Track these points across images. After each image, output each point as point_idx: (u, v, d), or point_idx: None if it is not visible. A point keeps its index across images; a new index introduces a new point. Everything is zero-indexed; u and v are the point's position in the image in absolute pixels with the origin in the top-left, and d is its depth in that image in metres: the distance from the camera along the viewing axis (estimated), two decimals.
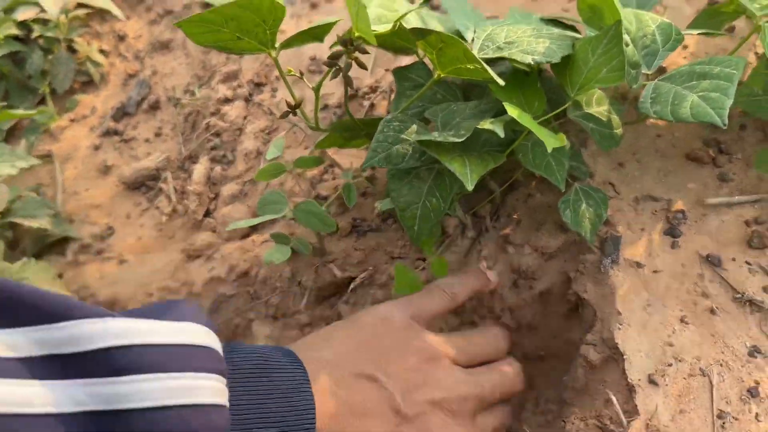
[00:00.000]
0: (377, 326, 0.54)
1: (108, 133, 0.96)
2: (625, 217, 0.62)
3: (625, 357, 0.54)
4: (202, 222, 0.79)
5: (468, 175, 0.51)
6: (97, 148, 0.95)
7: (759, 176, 0.63)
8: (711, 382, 0.53)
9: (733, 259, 0.58)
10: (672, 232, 0.60)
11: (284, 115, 0.57)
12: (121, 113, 0.97)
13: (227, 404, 0.40)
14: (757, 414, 0.51)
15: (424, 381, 0.53)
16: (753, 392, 0.52)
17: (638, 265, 0.59)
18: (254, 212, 0.75)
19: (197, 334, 0.40)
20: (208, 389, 0.38)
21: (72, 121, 1.01)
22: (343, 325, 0.55)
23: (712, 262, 0.58)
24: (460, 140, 0.50)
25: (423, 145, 0.53)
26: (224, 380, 0.41)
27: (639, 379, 0.53)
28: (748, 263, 0.58)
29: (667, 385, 0.53)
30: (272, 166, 0.63)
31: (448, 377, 0.54)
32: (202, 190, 0.81)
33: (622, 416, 0.52)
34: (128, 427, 0.34)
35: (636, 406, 0.52)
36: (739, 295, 0.56)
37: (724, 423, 0.51)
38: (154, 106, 0.95)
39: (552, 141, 0.51)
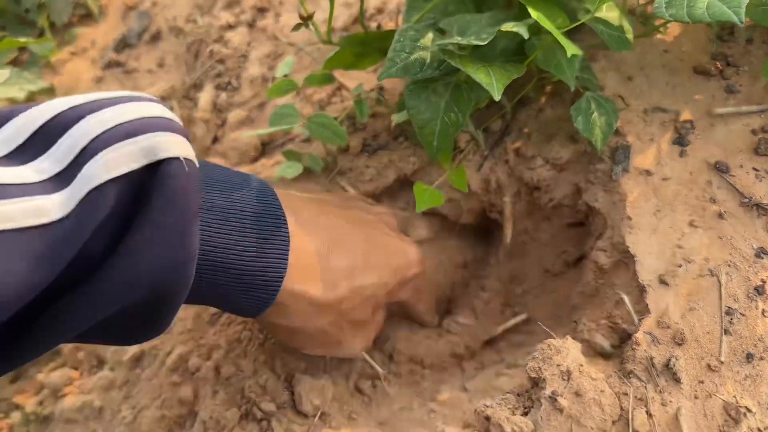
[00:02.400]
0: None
1: (110, 65, 0.95)
2: (635, 127, 0.62)
3: (636, 259, 0.55)
4: (210, 148, 0.79)
5: (494, 84, 0.51)
6: (99, 80, 0.94)
7: (766, 87, 0.63)
8: (719, 282, 0.54)
9: (741, 166, 0.59)
10: (680, 142, 0.61)
11: (296, 28, 0.56)
12: (123, 45, 0.96)
13: (179, 121, 0.40)
14: (763, 310, 0.53)
15: None
16: (759, 290, 0.53)
17: (648, 173, 0.60)
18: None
19: (140, 94, 0.40)
20: (160, 108, 0.39)
21: (73, 54, 1.00)
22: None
23: (719, 169, 0.59)
24: (483, 43, 0.50)
25: (445, 55, 0.53)
26: (170, 111, 0.41)
27: (650, 280, 0.55)
28: (755, 169, 0.59)
29: (677, 285, 0.54)
30: (283, 82, 0.63)
31: None
32: (209, 117, 0.81)
33: (634, 315, 0.54)
34: (92, 152, 0.34)
35: (647, 305, 0.54)
36: (747, 200, 0.57)
37: (731, 319, 0.52)
38: (156, 37, 0.94)
39: (572, 48, 0.51)
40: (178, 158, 0.37)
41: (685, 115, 0.63)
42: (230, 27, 0.86)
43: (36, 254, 0.32)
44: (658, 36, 0.69)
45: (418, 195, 0.57)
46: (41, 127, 0.36)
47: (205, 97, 0.82)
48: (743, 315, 0.53)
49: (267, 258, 0.46)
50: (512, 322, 0.64)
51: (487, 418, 0.48)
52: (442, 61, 0.54)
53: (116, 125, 0.36)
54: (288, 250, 0.47)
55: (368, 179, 0.67)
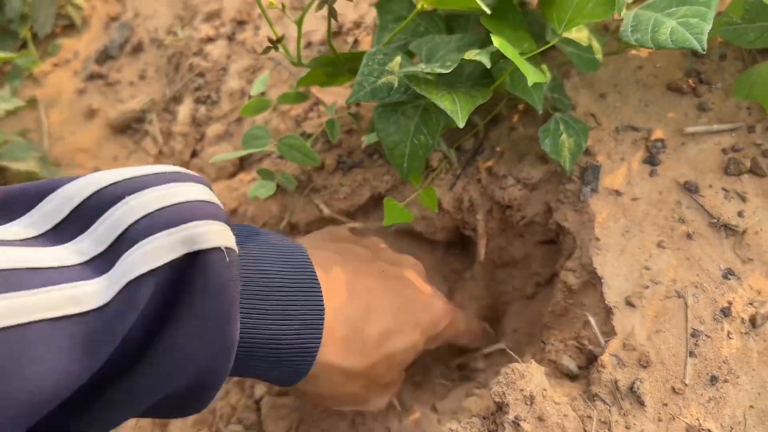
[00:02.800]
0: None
1: (92, 77, 0.95)
2: (606, 146, 0.63)
3: (603, 281, 0.56)
4: (189, 163, 0.79)
5: (458, 112, 0.52)
6: (81, 92, 0.95)
7: (737, 105, 0.63)
8: (686, 303, 0.54)
9: (710, 186, 0.59)
10: (651, 161, 0.61)
11: (265, 51, 0.57)
12: (105, 57, 0.96)
13: (221, 205, 0.40)
14: (729, 332, 0.53)
15: None
16: (725, 312, 0.54)
17: (617, 193, 0.60)
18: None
19: (178, 168, 0.39)
20: (199, 191, 0.38)
21: (55, 65, 1.00)
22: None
23: (689, 189, 0.59)
24: (446, 71, 0.50)
25: (410, 82, 0.53)
26: (213, 191, 0.40)
27: (616, 302, 0.55)
28: (724, 189, 0.59)
29: (643, 306, 0.55)
30: (257, 101, 0.63)
31: None
32: (187, 131, 0.81)
33: (600, 336, 0.54)
34: (132, 240, 0.34)
35: (613, 326, 0.54)
36: (715, 220, 0.58)
37: (697, 341, 0.53)
38: (137, 49, 0.95)
39: (534, 75, 0.51)
40: (219, 248, 0.36)
41: (657, 134, 0.63)
42: (210, 40, 0.86)
43: (76, 344, 0.31)
44: (632, 52, 0.69)
45: (387, 210, 0.58)
46: (80, 205, 0.35)
47: (184, 110, 0.82)
48: (709, 337, 0.53)
49: (302, 334, 0.45)
50: (487, 350, 0.65)
51: None
52: (409, 86, 0.54)
53: (157, 210, 0.35)
54: (322, 324, 0.46)
55: (342, 197, 0.67)
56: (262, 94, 0.68)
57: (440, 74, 0.55)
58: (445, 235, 0.69)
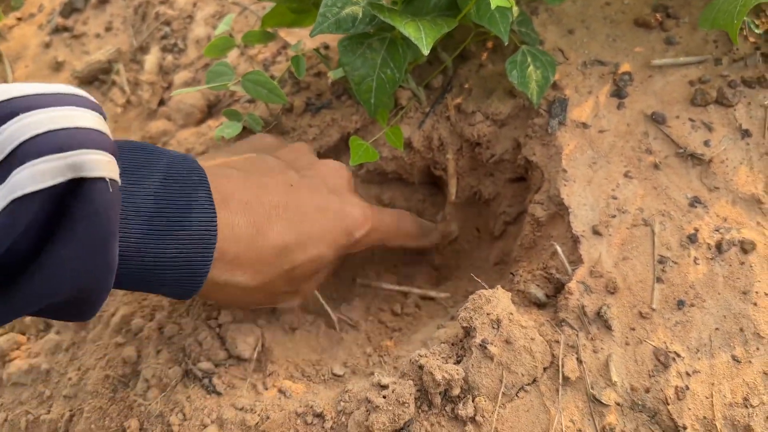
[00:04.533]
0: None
1: (57, 30, 0.93)
2: (573, 81, 0.62)
3: (570, 211, 0.56)
4: (156, 111, 0.78)
5: (423, 39, 0.51)
6: (47, 45, 0.93)
7: (704, 38, 0.64)
8: (653, 231, 0.55)
9: (677, 117, 0.60)
10: (618, 94, 0.61)
11: None
12: (70, 9, 0.94)
13: (110, 136, 0.41)
14: (695, 258, 0.54)
15: None
16: (692, 238, 0.54)
17: (584, 125, 0.60)
18: (207, 96, 0.74)
19: (75, 89, 0.40)
20: (90, 118, 0.39)
21: (19, 20, 0.98)
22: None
23: (656, 120, 0.60)
24: None
25: (374, 10, 0.53)
26: (104, 120, 0.41)
27: (583, 231, 0.55)
28: (691, 120, 0.59)
29: (610, 235, 0.55)
30: (221, 39, 0.62)
31: None
32: (154, 80, 0.80)
33: (567, 265, 0.55)
34: (23, 157, 0.35)
35: (581, 255, 0.54)
36: (682, 150, 0.58)
37: (664, 267, 0.53)
38: (103, 1, 0.93)
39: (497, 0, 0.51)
40: (103, 179, 0.38)
41: (624, 68, 0.63)
42: None
43: None
44: None
45: (353, 149, 0.57)
46: None
47: (150, 59, 0.81)
48: (676, 263, 0.54)
49: (190, 256, 0.46)
50: (432, 293, 0.66)
51: (421, 367, 0.49)
52: (374, 16, 0.54)
53: (48, 131, 0.36)
54: (213, 245, 0.47)
55: (311, 138, 0.67)
56: (229, 35, 0.66)
57: (406, 4, 0.55)
58: (417, 176, 0.69)
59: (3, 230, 0.34)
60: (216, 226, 0.46)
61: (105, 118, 0.42)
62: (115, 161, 0.40)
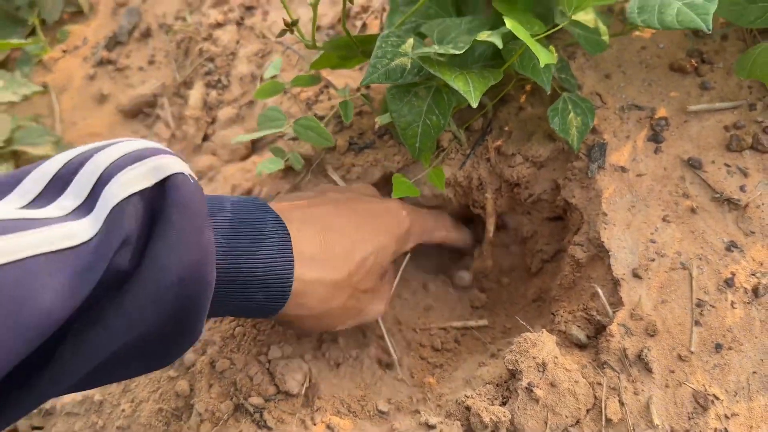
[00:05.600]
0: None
1: (102, 62, 0.96)
2: (611, 125, 0.64)
3: (610, 253, 0.58)
4: (201, 146, 0.81)
5: (471, 92, 0.53)
6: (91, 77, 0.96)
7: (739, 84, 0.65)
8: (691, 275, 0.56)
9: (713, 162, 0.61)
10: (655, 138, 0.63)
11: (281, 34, 0.58)
12: (114, 42, 0.98)
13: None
14: (732, 302, 0.55)
15: None
16: (729, 282, 0.56)
17: (623, 169, 0.62)
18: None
19: (138, 139, 0.45)
20: (158, 144, 0.44)
21: (64, 52, 1.01)
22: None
23: (692, 165, 0.61)
24: (459, 52, 0.52)
25: (423, 63, 0.55)
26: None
27: (623, 274, 0.57)
28: (726, 165, 0.61)
29: (650, 278, 0.57)
30: (271, 84, 0.65)
31: None
32: (199, 115, 0.82)
33: (608, 307, 0.56)
34: (106, 181, 0.39)
35: (621, 297, 0.56)
36: (718, 195, 0.60)
37: (702, 311, 0.55)
38: (146, 34, 0.96)
39: (545, 56, 0.53)
40: (182, 173, 0.42)
41: (661, 112, 0.65)
42: (219, 25, 0.88)
43: (71, 273, 0.35)
44: (636, 33, 0.70)
45: (396, 185, 0.60)
46: (55, 175, 0.41)
47: (195, 94, 0.84)
48: (713, 307, 0.55)
49: (276, 257, 0.50)
50: (471, 323, 0.68)
51: (468, 408, 0.51)
52: (422, 67, 0.56)
53: (123, 155, 0.41)
54: (291, 247, 0.51)
55: (355, 177, 0.69)
56: (274, 77, 0.69)
57: (452, 56, 0.57)
58: (455, 214, 0.71)
59: (107, 241, 0.38)
60: (288, 232, 0.52)
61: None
62: (187, 166, 0.45)
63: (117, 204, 0.39)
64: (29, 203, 0.39)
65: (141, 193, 0.40)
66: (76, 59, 1.00)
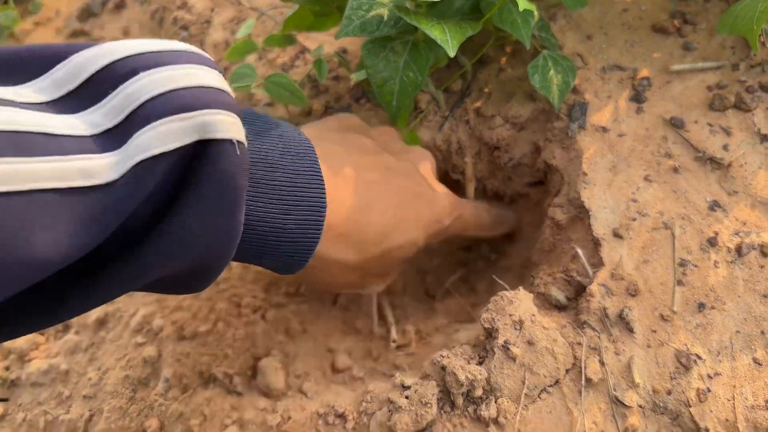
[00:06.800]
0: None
1: (75, 34, 0.94)
2: (593, 85, 0.63)
3: (591, 213, 0.56)
4: None
5: (449, 41, 0.51)
6: None
7: (721, 44, 0.64)
8: (673, 234, 0.55)
9: (696, 122, 0.60)
10: (637, 98, 0.62)
11: None
12: (87, 14, 0.95)
13: (233, 95, 0.39)
14: (715, 261, 0.54)
15: None
16: (712, 242, 0.54)
17: (604, 129, 0.60)
18: None
19: (192, 47, 0.39)
20: (213, 77, 0.37)
21: (36, 24, 0.99)
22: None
23: (675, 124, 0.60)
24: (437, 0, 0.50)
25: (400, 12, 0.53)
26: (226, 79, 0.40)
27: (604, 234, 0.56)
28: (709, 124, 0.60)
29: (631, 238, 0.55)
30: (243, 43, 0.63)
31: None
32: None
33: (588, 267, 0.55)
34: (146, 118, 0.33)
35: (601, 258, 0.55)
36: (701, 154, 0.58)
37: (684, 270, 0.54)
38: (120, 5, 0.94)
39: (524, 2, 0.52)
40: (230, 140, 0.36)
41: (643, 73, 0.63)
42: None
43: (83, 216, 0.31)
44: None
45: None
46: (93, 76, 0.35)
47: None
48: (696, 266, 0.54)
49: (304, 228, 0.46)
50: (452, 278, 0.68)
51: (443, 368, 0.49)
52: (399, 19, 0.54)
53: (172, 90, 0.35)
54: (323, 220, 0.47)
55: None
56: (248, 38, 0.67)
57: (430, 6, 0.55)
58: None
59: (127, 196, 0.33)
60: (326, 198, 0.46)
61: (224, 78, 0.40)
62: (241, 123, 0.38)
63: (147, 158, 0.33)
64: (54, 101, 0.34)
65: (177, 150, 0.34)
66: (48, 31, 0.97)
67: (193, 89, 0.35)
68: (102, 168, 0.32)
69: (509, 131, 0.64)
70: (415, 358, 0.57)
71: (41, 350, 0.65)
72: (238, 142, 0.37)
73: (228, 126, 0.36)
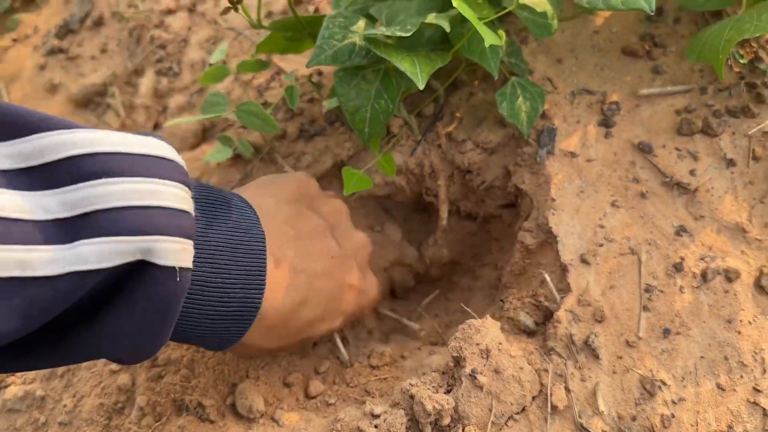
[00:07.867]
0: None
1: (53, 51, 0.94)
2: (562, 110, 0.64)
3: (558, 239, 0.57)
4: None
5: (418, 74, 0.52)
6: (42, 67, 0.93)
7: (691, 68, 0.65)
8: (639, 260, 0.56)
9: (664, 146, 0.61)
10: (606, 123, 0.62)
11: (225, 11, 0.57)
12: (65, 31, 0.95)
13: (192, 213, 0.40)
14: (681, 286, 0.54)
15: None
16: (678, 267, 0.55)
17: (572, 155, 0.61)
18: (202, 121, 0.75)
19: (162, 148, 0.40)
20: (174, 195, 0.38)
21: (14, 41, 0.99)
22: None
23: (643, 149, 0.61)
24: (407, 35, 0.51)
25: (371, 45, 0.54)
26: (189, 192, 0.41)
27: (571, 259, 0.56)
28: (677, 149, 0.60)
29: (598, 263, 0.56)
30: (216, 68, 0.63)
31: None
32: (149, 104, 0.80)
33: (556, 293, 0.56)
34: (94, 228, 0.34)
35: (569, 283, 0.55)
36: (668, 179, 0.59)
37: (650, 296, 0.54)
38: (98, 23, 0.94)
39: (490, 37, 0.52)
40: (173, 268, 0.37)
41: (612, 97, 0.64)
42: (170, 12, 0.86)
43: (12, 306, 0.32)
44: (589, 17, 0.70)
45: (346, 179, 0.58)
46: (59, 161, 0.35)
47: (145, 83, 0.82)
48: (662, 292, 0.55)
49: (233, 323, 0.47)
50: (429, 298, 0.69)
51: (411, 397, 0.50)
52: (369, 49, 0.55)
53: (124, 207, 0.35)
54: (253, 319, 0.48)
55: (306, 165, 0.68)
56: (223, 63, 0.67)
57: (400, 38, 0.56)
58: (408, 201, 0.70)
59: (60, 296, 0.34)
60: (262, 298, 0.48)
61: (187, 175, 0.41)
62: (192, 246, 0.39)
63: (84, 271, 0.34)
64: (13, 170, 0.35)
65: (115, 267, 0.35)
66: (26, 48, 0.97)
67: (150, 210, 0.36)
68: (42, 262, 0.33)
69: (480, 155, 0.65)
70: (386, 383, 0.58)
71: (18, 376, 0.65)
72: (180, 269, 0.38)
73: (173, 254, 0.37)
